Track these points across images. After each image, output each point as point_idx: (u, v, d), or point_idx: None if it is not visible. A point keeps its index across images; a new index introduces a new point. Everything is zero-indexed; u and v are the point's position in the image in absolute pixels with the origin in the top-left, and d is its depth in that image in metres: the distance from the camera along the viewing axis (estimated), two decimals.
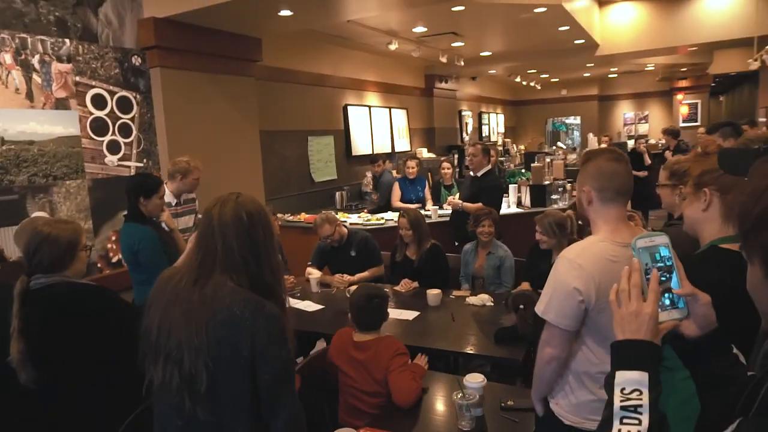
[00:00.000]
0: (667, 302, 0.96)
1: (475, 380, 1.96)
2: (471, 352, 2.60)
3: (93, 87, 3.84)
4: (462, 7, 5.06)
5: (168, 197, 3.65)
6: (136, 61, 4.13)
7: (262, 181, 5.34)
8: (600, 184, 1.67)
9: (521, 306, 2.64)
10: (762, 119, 8.44)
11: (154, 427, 1.48)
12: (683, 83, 13.10)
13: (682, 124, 13.37)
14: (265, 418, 1.39)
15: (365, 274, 3.86)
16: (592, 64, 10.58)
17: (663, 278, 0.94)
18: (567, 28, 6.42)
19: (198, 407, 1.33)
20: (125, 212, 3.32)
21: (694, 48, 8.35)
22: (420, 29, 6.07)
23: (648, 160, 7.45)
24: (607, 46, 8.07)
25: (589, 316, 1.62)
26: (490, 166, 4.57)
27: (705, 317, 0.98)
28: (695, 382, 1.00)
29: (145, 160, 4.20)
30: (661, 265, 0.95)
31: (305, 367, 2.29)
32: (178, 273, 1.44)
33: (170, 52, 4.24)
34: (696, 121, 13.30)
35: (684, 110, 13.29)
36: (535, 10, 5.41)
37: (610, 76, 13.63)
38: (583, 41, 7.44)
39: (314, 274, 3.87)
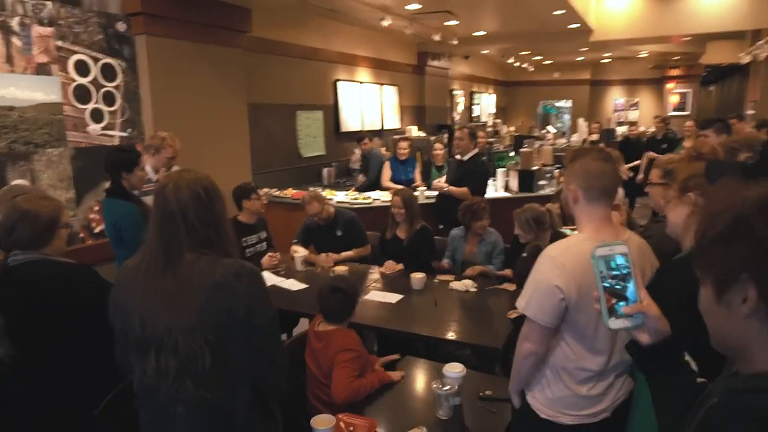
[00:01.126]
0: (621, 311, 0.98)
1: (454, 370, 1.98)
2: (452, 338, 2.62)
3: (75, 53, 3.71)
4: None
5: (149, 173, 3.58)
6: (120, 27, 4.00)
7: (249, 154, 5.27)
8: (587, 184, 1.67)
9: (524, 254, 2.74)
10: (750, 112, 8.51)
11: (140, 426, 1.47)
12: (675, 72, 13.12)
13: (671, 113, 13.44)
14: (261, 380, 1.45)
15: (350, 253, 3.87)
16: (586, 49, 10.52)
17: (617, 286, 0.97)
18: (563, 12, 6.36)
19: (202, 388, 1.35)
20: (107, 186, 3.27)
21: (687, 38, 8.33)
22: (413, 6, 5.95)
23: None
24: (602, 32, 8.02)
25: (568, 314, 1.64)
26: (476, 150, 4.56)
27: (656, 330, 1.02)
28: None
29: (129, 130, 4.11)
30: (616, 273, 0.99)
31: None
32: (142, 263, 1.41)
33: (156, 19, 4.11)
34: (685, 110, 13.37)
35: (674, 99, 13.34)
36: None
37: (603, 61, 13.58)
38: (578, 26, 7.38)
39: (299, 252, 3.86)
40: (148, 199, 3.56)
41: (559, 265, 1.60)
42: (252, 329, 1.38)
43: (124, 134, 4.06)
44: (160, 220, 1.39)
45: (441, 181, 4.54)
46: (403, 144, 5.88)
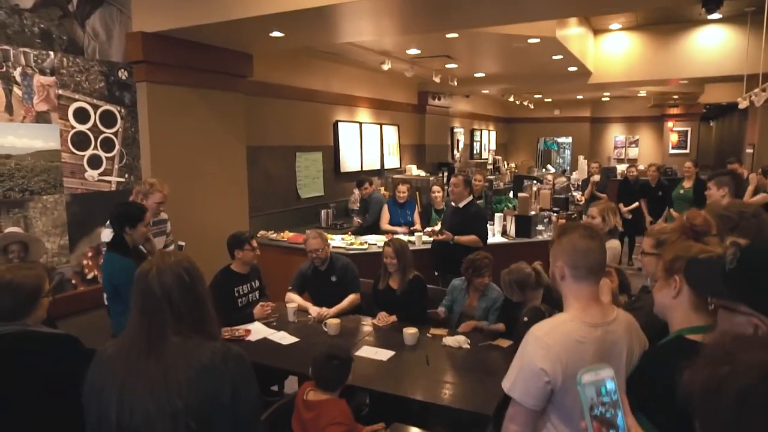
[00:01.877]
0: None
1: None
2: (442, 403, 2.56)
3: (76, 100, 3.77)
4: (456, 35, 5.06)
5: None
6: (122, 74, 4.07)
7: (247, 197, 5.29)
8: (573, 261, 1.65)
9: (525, 319, 2.64)
10: (749, 151, 8.57)
11: None
12: (674, 110, 13.23)
13: (671, 151, 13.52)
14: None
15: (344, 304, 3.81)
16: (584, 93, 10.67)
17: (608, 414, 0.93)
18: (560, 57, 6.45)
19: None
20: (104, 226, 3.28)
21: (684, 81, 8.43)
22: (413, 51, 6.06)
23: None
24: (600, 74, 8.12)
25: (554, 396, 1.60)
26: (471, 198, 4.56)
27: None
28: None
29: (126, 175, 4.14)
30: (607, 399, 0.94)
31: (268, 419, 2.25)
32: (123, 347, 1.39)
33: (158, 67, 4.19)
34: (685, 149, 13.44)
35: (674, 138, 13.42)
36: (529, 41, 5.43)
37: (603, 99, 13.73)
38: (576, 69, 7.48)
39: (294, 301, 3.83)
40: None
41: (545, 346, 1.57)
42: (236, 415, 1.37)
43: (121, 179, 4.09)
44: (143, 305, 1.39)
45: (444, 233, 4.48)
46: (402, 187, 5.90)
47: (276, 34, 4.18)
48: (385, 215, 5.92)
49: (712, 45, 7.40)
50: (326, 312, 3.67)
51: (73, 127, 3.76)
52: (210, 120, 4.76)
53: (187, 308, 1.40)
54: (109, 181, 4.03)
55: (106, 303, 3.14)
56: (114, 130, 4.05)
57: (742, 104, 6.43)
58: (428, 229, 4.72)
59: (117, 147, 4.07)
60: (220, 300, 3.61)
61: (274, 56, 5.77)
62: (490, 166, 12.53)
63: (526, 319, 2.63)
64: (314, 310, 3.71)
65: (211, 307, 1.51)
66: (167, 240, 3.84)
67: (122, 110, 4.09)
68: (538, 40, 5.40)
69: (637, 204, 7.77)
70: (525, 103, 13.50)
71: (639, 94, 12.20)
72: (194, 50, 4.40)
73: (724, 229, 2.16)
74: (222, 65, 4.74)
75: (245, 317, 3.61)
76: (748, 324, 1.09)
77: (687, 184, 6.69)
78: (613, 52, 8.03)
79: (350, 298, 3.86)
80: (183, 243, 3.49)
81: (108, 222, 3.33)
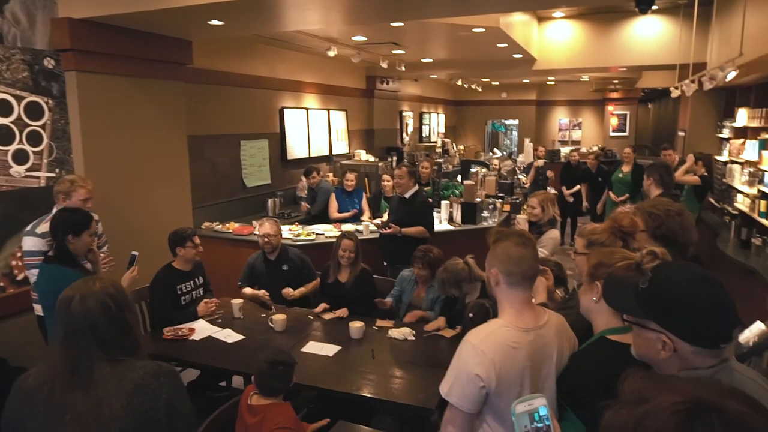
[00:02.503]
0: None
1: None
2: (387, 399, 2.61)
3: None
4: (401, 24, 5.03)
5: None
6: (48, 63, 3.83)
7: (190, 188, 5.14)
8: (507, 269, 1.71)
9: (470, 314, 2.68)
10: (681, 134, 9.01)
11: None
12: (614, 95, 13.72)
13: (611, 134, 14.05)
14: None
15: (303, 290, 3.92)
16: (530, 77, 10.87)
17: None
18: (505, 45, 6.54)
19: None
20: (26, 233, 3.08)
21: (624, 68, 8.73)
22: (360, 38, 5.99)
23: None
24: (544, 62, 8.30)
25: (489, 399, 1.67)
26: (416, 188, 4.60)
27: None
28: None
29: (57, 170, 3.92)
30: (540, 425, 0.98)
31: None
32: (45, 382, 1.33)
33: (88, 55, 3.96)
34: (624, 132, 14.01)
35: (614, 121, 13.94)
36: (474, 30, 5.46)
37: (548, 83, 14.05)
38: (521, 56, 7.60)
39: (246, 293, 3.85)
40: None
41: (480, 353, 1.63)
42: (173, 431, 1.36)
43: (51, 175, 3.88)
44: (66, 336, 1.33)
45: (392, 226, 4.49)
46: (350, 175, 5.87)
47: (215, 22, 4.03)
48: (333, 204, 5.89)
49: (649, 35, 7.69)
50: (291, 292, 3.80)
51: None
52: (148, 110, 4.56)
53: (113, 337, 1.36)
54: (38, 177, 3.81)
55: (40, 314, 2.98)
56: (41, 122, 3.82)
57: (674, 93, 6.73)
58: (377, 221, 4.72)
59: (45, 141, 3.84)
60: (163, 299, 3.53)
61: (216, 43, 5.58)
62: (439, 149, 12.64)
63: (471, 315, 2.70)
64: (261, 293, 3.80)
65: (140, 333, 1.50)
66: (99, 241, 3.68)
67: (50, 101, 3.86)
68: (483, 30, 5.44)
69: (578, 187, 8.11)
70: (473, 87, 13.65)
71: (582, 79, 12.56)
72: (128, 37, 4.18)
73: (652, 225, 2.28)
74: (159, 53, 4.54)
75: (189, 315, 3.54)
76: (658, 340, 1.16)
77: (626, 168, 7.01)
78: (556, 39, 8.21)
79: (314, 283, 3.97)
80: (136, 253, 3.26)
81: (30, 228, 3.15)
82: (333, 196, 5.90)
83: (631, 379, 0.79)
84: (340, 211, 5.83)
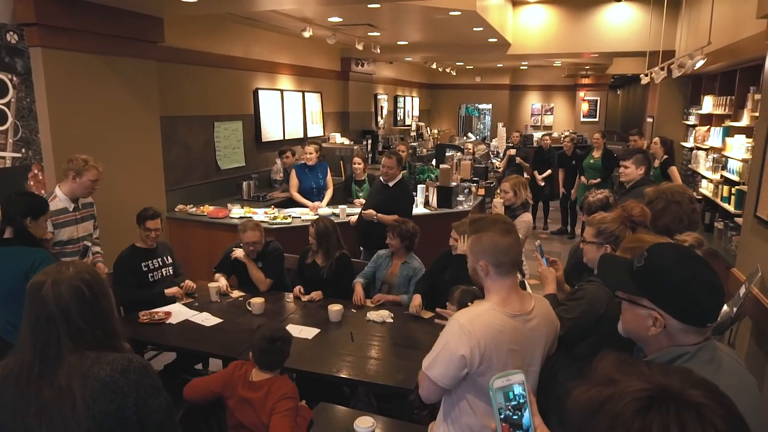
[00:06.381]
0: None
1: (365, 425, 2.01)
2: (367, 381, 2.65)
3: None
4: (378, 5, 4.98)
5: (63, 202, 3.36)
6: (11, 38, 3.68)
7: (162, 170, 5.04)
8: (497, 260, 1.74)
9: (469, 303, 2.65)
10: (649, 119, 9.23)
11: None
12: (586, 80, 13.92)
13: (582, 119, 14.28)
14: None
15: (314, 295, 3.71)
16: (504, 62, 10.93)
17: (514, 417, 1.01)
18: (481, 29, 6.55)
19: None
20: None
21: (595, 54, 8.86)
22: (335, 19, 5.91)
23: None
24: (518, 46, 8.35)
25: (471, 376, 1.71)
26: (401, 176, 4.61)
27: None
28: None
29: (23, 150, 3.80)
30: (514, 403, 1.02)
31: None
32: (13, 372, 1.28)
33: (54, 31, 3.82)
34: (595, 117, 14.25)
35: (585, 107, 14.16)
36: (450, 13, 5.45)
37: (521, 67, 14.16)
38: (496, 40, 7.63)
39: (220, 281, 3.75)
40: (68, 230, 3.36)
41: (467, 333, 1.67)
42: (144, 427, 1.33)
43: (17, 155, 3.76)
44: (36, 323, 1.27)
45: (370, 211, 4.49)
46: (309, 148, 5.54)
47: None
48: (294, 181, 5.59)
49: (620, 22, 7.82)
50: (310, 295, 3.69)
51: None
52: (118, 89, 4.44)
53: (87, 325, 1.30)
54: (3, 157, 3.68)
55: None
56: (5, 100, 3.68)
57: (644, 80, 6.88)
58: (365, 211, 4.62)
59: (10, 119, 3.71)
60: (128, 277, 3.50)
61: (189, 21, 5.43)
62: (413, 133, 12.65)
63: (470, 304, 2.65)
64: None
65: (116, 321, 1.43)
66: (95, 223, 3.64)
67: (14, 78, 3.71)
68: (459, 13, 5.44)
69: (550, 171, 8.26)
70: (447, 70, 13.65)
71: (554, 64, 12.69)
72: (97, 13, 4.04)
73: (655, 209, 2.35)
74: (129, 30, 4.40)
75: (158, 294, 3.51)
76: (649, 317, 1.22)
77: (596, 153, 7.16)
78: (530, 24, 8.26)
79: (266, 281, 3.83)
80: (89, 244, 3.22)
81: None
82: (293, 173, 5.64)
83: (604, 361, 0.80)
84: (303, 188, 5.61)
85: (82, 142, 4.07)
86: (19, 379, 1.27)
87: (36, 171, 3.88)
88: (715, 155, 5.83)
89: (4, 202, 2.76)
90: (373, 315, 3.31)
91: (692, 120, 7.29)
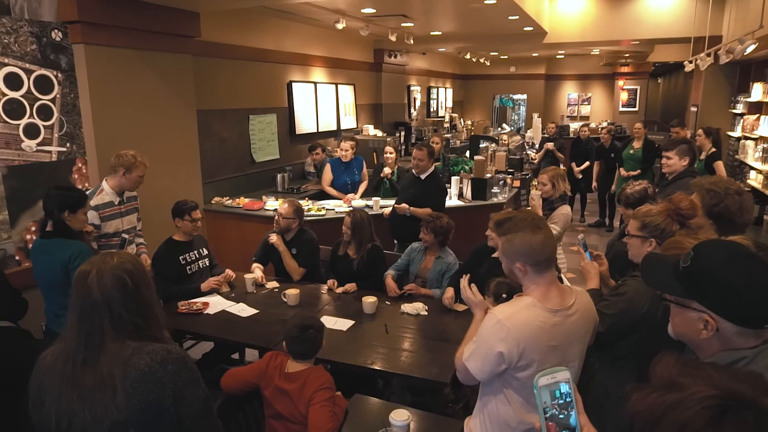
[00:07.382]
0: None
1: (400, 418, 1.99)
2: (401, 373, 2.63)
3: (6, 65, 3.50)
4: None
5: (110, 195, 3.47)
6: (56, 36, 3.79)
7: (199, 163, 5.13)
8: (535, 260, 1.70)
9: (504, 295, 2.58)
10: (693, 109, 8.89)
11: None
12: (625, 69, 13.49)
13: (621, 109, 13.87)
14: None
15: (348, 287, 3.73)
16: (539, 51, 10.69)
17: (561, 416, 0.97)
18: (516, 17, 6.41)
19: None
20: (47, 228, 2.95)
21: (636, 42, 8.57)
22: (369, 10, 5.88)
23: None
24: (555, 35, 8.15)
25: (509, 371, 1.68)
26: (433, 168, 4.55)
27: None
28: None
29: (68, 145, 3.92)
30: (561, 402, 0.98)
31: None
32: (60, 357, 1.33)
33: (96, 28, 3.91)
34: (634, 107, 13.81)
35: (624, 96, 13.74)
36: (486, 2, 5.35)
37: (557, 57, 13.83)
38: (531, 29, 7.46)
39: (256, 272, 3.80)
40: (114, 223, 3.48)
41: (505, 329, 1.64)
42: (181, 418, 1.34)
43: (62, 149, 3.88)
44: (81, 311, 1.32)
45: (404, 205, 4.46)
46: (345, 145, 5.57)
47: None
48: (327, 176, 5.64)
49: (663, 7, 7.52)
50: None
51: (4, 95, 3.50)
52: (156, 84, 4.52)
53: (129, 314, 1.33)
54: (49, 152, 3.81)
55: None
56: (51, 96, 3.79)
57: (689, 67, 6.62)
58: (397, 206, 4.58)
59: (56, 115, 3.83)
60: (168, 271, 3.57)
61: (223, 15, 5.49)
62: (446, 124, 12.53)
63: (504, 296, 2.61)
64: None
65: (158, 311, 1.45)
66: (139, 215, 3.76)
67: (59, 75, 3.82)
68: (494, 1, 5.33)
69: (588, 163, 8.04)
70: (481, 61, 13.45)
71: (592, 53, 12.35)
72: (135, 9, 4.12)
73: (710, 203, 2.24)
74: (167, 25, 4.48)
75: (197, 290, 3.57)
76: (699, 320, 1.15)
77: (637, 144, 6.91)
78: (567, 12, 8.04)
79: (300, 270, 3.90)
80: (126, 236, 3.41)
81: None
82: (328, 167, 5.68)
83: (663, 363, 0.76)
84: (336, 182, 5.65)
85: (124, 137, 4.18)
86: (65, 364, 1.31)
87: (80, 164, 4.00)
88: (765, 145, 5.57)
89: (44, 196, 2.85)
90: (407, 307, 3.30)
91: (740, 108, 6.98)
